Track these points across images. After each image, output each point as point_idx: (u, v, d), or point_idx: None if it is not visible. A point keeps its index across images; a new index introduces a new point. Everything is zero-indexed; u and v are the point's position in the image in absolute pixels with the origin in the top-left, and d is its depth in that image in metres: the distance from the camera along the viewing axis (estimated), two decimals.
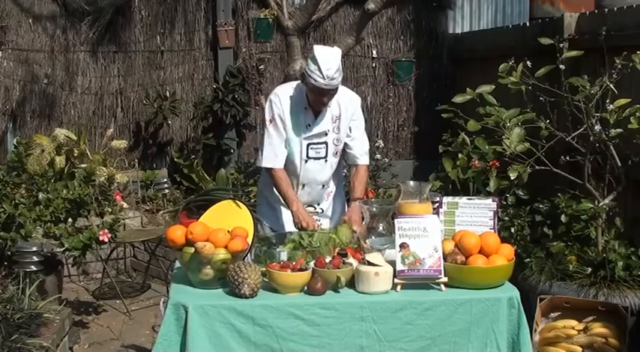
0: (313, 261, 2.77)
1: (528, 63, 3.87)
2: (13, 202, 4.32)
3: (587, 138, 3.91)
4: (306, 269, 2.72)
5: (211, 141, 6.61)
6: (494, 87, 4.00)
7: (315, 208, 3.52)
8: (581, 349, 3.48)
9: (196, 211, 3.36)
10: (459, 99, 4.08)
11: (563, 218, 4.29)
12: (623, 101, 3.75)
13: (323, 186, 3.51)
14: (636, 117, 3.69)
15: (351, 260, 2.79)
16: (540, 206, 4.57)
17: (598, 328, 3.50)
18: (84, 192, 4.41)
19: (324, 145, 3.43)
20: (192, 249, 2.71)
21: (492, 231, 2.93)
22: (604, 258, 3.90)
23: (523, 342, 2.72)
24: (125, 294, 5.19)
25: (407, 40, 7.10)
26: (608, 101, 3.77)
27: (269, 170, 3.46)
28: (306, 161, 3.44)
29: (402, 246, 2.76)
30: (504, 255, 2.81)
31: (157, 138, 6.83)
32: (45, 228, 4.30)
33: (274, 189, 3.50)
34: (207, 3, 6.77)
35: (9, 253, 4.22)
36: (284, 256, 2.85)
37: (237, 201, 3.12)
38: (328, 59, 3.17)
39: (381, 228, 2.90)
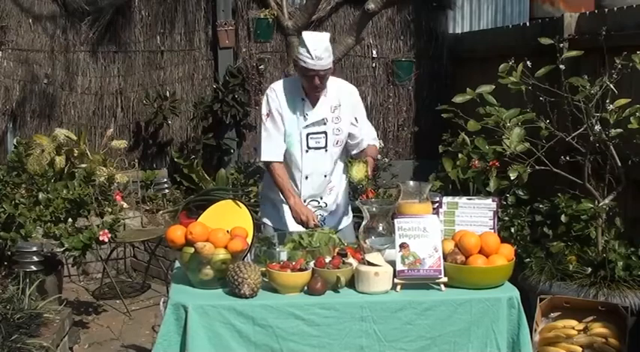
0: (313, 261, 2.77)
1: (528, 63, 3.87)
2: (13, 202, 4.32)
3: (587, 138, 3.91)
4: (306, 269, 2.72)
5: (211, 141, 6.61)
6: (494, 87, 4.00)
7: (319, 202, 3.51)
8: (581, 349, 3.48)
9: (196, 211, 3.37)
10: (459, 99, 4.08)
11: (563, 218, 4.29)
12: (623, 101, 3.75)
13: (325, 176, 3.49)
14: (636, 117, 3.69)
15: (350, 260, 2.79)
16: (540, 206, 4.57)
17: (598, 328, 3.50)
18: (84, 192, 4.41)
19: (323, 135, 3.43)
20: (192, 249, 2.71)
21: (492, 231, 2.93)
22: (604, 258, 3.90)
23: (523, 342, 2.72)
24: (125, 294, 5.19)
25: (407, 40, 7.10)
26: (608, 101, 3.77)
27: (268, 165, 3.47)
28: (307, 151, 3.43)
29: (402, 246, 2.75)
30: (504, 255, 2.80)
31: (157, 138, 6.84)
32: (45, 228, 4.30)
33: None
34: (207, 3, 6.77)
35: (9, 253, 4.22)
36: (284, 256, 2.85)
37: (237, 201, 3.12)
38: (315, 40, 3.26)
39: (380, 228, 2.89)
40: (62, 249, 4.24)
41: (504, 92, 3.99)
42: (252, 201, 5.52)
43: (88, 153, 5.68)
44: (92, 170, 4.84)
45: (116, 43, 6.66)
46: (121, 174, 5.65)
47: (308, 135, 3.41)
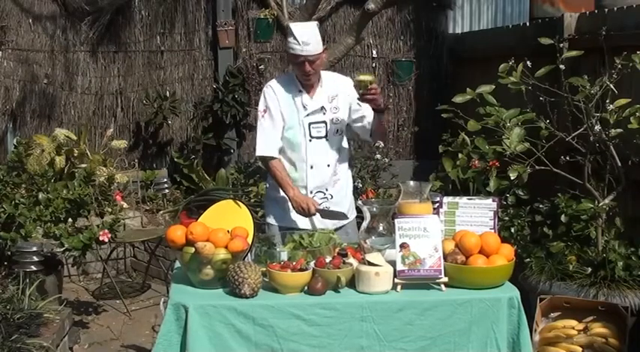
0: (313, 261, 2.77)
1: (528, 63, 3.87)
2: (13, 202, 4.32)
3: (587, 138, 3.91)
4: (306, 269, 2.72)
5: (211, 141, 6.61)
6: (494, 87, 4.01)
7: (325, 194, 3.52)
8: (581, 349, 3.48)
9: (196, 211, 3.37)
10: (458, 99, 4.08)
11: (563, 218, 4.29)
12: (623, 101, 3.75)
13: (328, 165, 3.51)
14: (636, 117, 3.70)
15: (351, 260, 2.79)
16: (540, 206, 4.57)
17: (598, 328, 3.50)
18: (84, 192, 4.41)
19: (323, 124, 3.48)
20: (193, 249, 2.71)
21: (492, 231, 2.93)
22: (604, 258, 3.90)
23: (523, 342, 2.72)
24: (125, 294, 5.19)
25: (407, 40, 7.11)
26: (608, 101, 3.77)
27: (265, 161, 3.50)
28: (311, 140, 3.48)
29: (403, 245, 2.75)
30: (504, 255, 2.81)
31: (157, 138, 6.84)
32: (45, 228, 4.30)
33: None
34: (207, 3, 6.77)
35: (9, 253, 4.22)
36: (284, 256, 2.85)
37: (237, 201, 3.12)
38: (301, 27, 3.39)
39: (381, 228, 2.90)
40: (62, 249, 4.24)
41: (504, 92, 3.99)
42: (252, 201, 5.52)
43: (88, 153, 5.68)
44: (92, 170, 4.84)
45: (116, 43, 6.66)
46: (121, 174, 5.65)
47: (310, 124, 3.47)
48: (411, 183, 3.09)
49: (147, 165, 6.73)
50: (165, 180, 5.84)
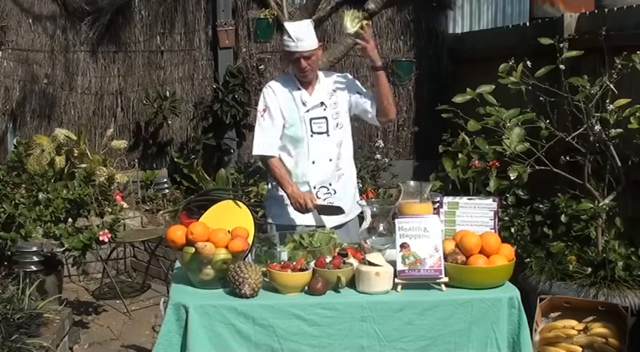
0: (314, 261, 2.77)
1: (528, 63, 3.88)
2: (13, 202, 4.32)
3: (587, 138, 3.91)
4: (306, 269, 2.72)
5: (211, 141, 6.61)
6: (494, 87, 4.01)
7: (328, 189, 3.53)
8: (581, 349, 3.48)
9: (196, 211, 3.37)
10: (458, 99, 4.08)
11: (563, 218, 4.29)
12: (623, 101, 3.75)
13: (330, 160, 3.52)
14: (636, 117, 3.70)
15: (351, 260, 2.79)
16: (540, 206, 4.57)
17: (598, 328, 3.51)
18: (84, 192, 4.41)
19: (324, 120, 3.52)
20: (193, 249, 2.71)
21: (493, 231, 2.93)
22: (604, 258, 3.90)
23: (523, 342, 2.72)
24: (125, 294, 5.19)
25: (407, 40, 7.11)
26: (608, 101, 3.77)
27: (264, 160, 3.53)
28: (312, 136, 3.50)
29: (403, 245, 2.76)
30: (505, 255, 2.81)
31: (157, 138, 6.84)
32: (45, 228, 4.30)
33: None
34: (207, 3, 6.77)
35: (9, 253, 4.22)
36: (284, 256, 2.85)
37: (237, 201, 3.12)
38: (295, 25, 3.48)
39: (381, 228, 2.90)
40: (62, 249, 4.24)
41: (504, 92, 3.99)
42: (252, 201, 5.52)
43: (88, 153, 5.68)
44: (92, 170, 4.84)
45: (116, 43, 6.66)
46: (121, 174, 5.65)
47: (311, 120, 3.50)
48: (411, 183, 3.09)
49: (147, 165, 6.73)
50: (165, 180, 5.84)
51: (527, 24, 6.21)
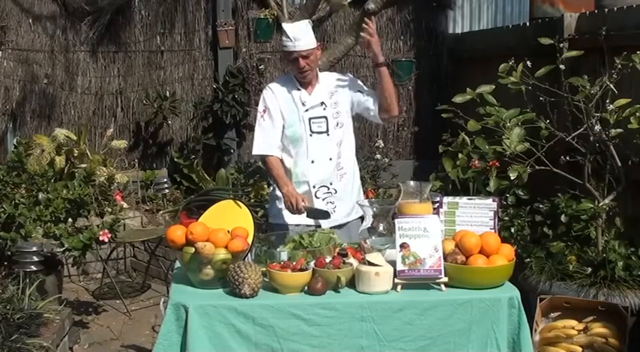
0: (313, 261, 2.77)
1: (528, 63, 3.88)
2: (13, 202, 4.32)
3: (587, 138, 3.91)
4: (306, 269, 2.72)
5: (211, 141, 6.61)
6: (494, 87, 4.01)
7: (329, 188, 3.52)
8: (581, 349, 3.48)
9: (196, 211, 3.37)
10: (458, 99, 4.08)
11: (563, 218, 4.29)
12: (623, 101, 3.75)
13: (330, 159, 3.52)
14: (636, 117, 3.70)
15: (351, 260, 2.79)
16: (540, 206, 4.57)
17: (598, 328, 3.51)
18: (84, 192, 4.41)
19: (324, 119, 3.52)
20: (193, 249, 2.71)
21: (493, 231, 2.93)
22: (604, 258, 3.90)
23: (523, 342, 2.72)
24: (125, 294, 5.20)
25: (407, 40, 7.11)
26: (608, 101, 3.77)
27: (263, 159, 3.55)
28: (311, 135, 3.51)
29: (403, 246, 2.75)
30: (505, 255, 2.80)
31: (157, 138, 6.84)
32: (45, 228, 4.30)
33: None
34: (207, 3, 6.77)
35: (9, 253, 4.22)
36: (284, 256, 2.85)
37: (238, 201, 3.12)
38: (292, 25, 3.50)
39: (381, 228, 2.90)
40: (62, 249, 4.24)
41: (504, 92, 3.99)
42: (252, 201, 5.52)
43: (88, 153, 5.68)
44: (92, 170, 4.84)
45: (116, 43, 6.66)
46: (121, 174, 5.65)
47: (310, 119, 3.51)
48: (411, 183, 3.09)
49: (147, 165, 6.73)
50: (165, 180, 5.84)
51: (527, 24, 6.21)
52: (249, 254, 2.85)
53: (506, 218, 4.61)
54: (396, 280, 2.74)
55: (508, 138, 3.92)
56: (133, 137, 6.79)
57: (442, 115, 4.61)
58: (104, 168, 5.39)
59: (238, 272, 2.64)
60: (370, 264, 2.72)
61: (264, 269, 2.73)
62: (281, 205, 3.51)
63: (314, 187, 3.51)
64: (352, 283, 2.75)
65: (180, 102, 6.73)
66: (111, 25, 6.59)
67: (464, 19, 7.42)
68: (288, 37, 3.41)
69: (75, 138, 5.73)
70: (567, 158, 4.01)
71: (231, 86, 6.54)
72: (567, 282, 3.92)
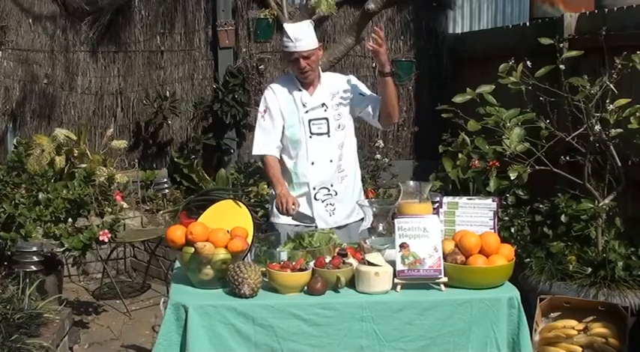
0: (313, 261, 2.77)
1: (528, 63, 3.87)
2: (13, 202, 4.32)
3: (587, 138, 3.91)
4: (306, 269, 2.72)
5: (211, 141, 6.61)
6: (494, 87, 4.01)
7: (329, 190, 3.52)
8: (581, 349, 3.48)
9: (196, 211, 3.37)
10: (458, 99, 4.08)
11: (563, 218, 4.29)
12: (623, 101, 3.75)
13: (331, 161, 3.52)
14: (636, 117, 3.70)
15: (351, 260, 2.79)
16: (540, 206, 4.57)
17: (598, 328, 3.50)
18: (84, 192, 4.41)
19: (325, 121, 3.52)
20: (192, 249, 2.71)
21: (492, 231, 2.93)
22: (604, 258, 3.90)
23: (523, 342, 2.72)
24: (125, 294, 5.20)
25: (407, 40, 7.11)
26: (608, 101, 3.77)
27: (262, 159, 3.55)
28: (311, 137, 3.50)
29: (402, 246, 2.75)
30: (504, 255, 2.80)
31: (157, 138, 6.84)
32: (45, 228, 4.30)
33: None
34: (207, 3, 6.77)
35: (9, 253, 4.22)
36: (284, 256, 2.85)
37: (237, 201, 3.12)
38: (293, 26, 3.49)
39: (381, 228, 2.90)
40: (62, 249, 4.24)
41: (504, 92, 3.99)
42: (252, 201, 5.52)
43: (88, 153, 5.68)
44: (92, 170, 4.84)
45: (116, 43, 6.66)
46: (121, 174, 5.65)
47: (310, 121, 3.50)
48: (411, 183, 3.09)
49: (147, 165, 6.73)
50: (165, 180, 5.84)
51: (527, 24, 6.21)
52: (248, 254, 2.85)
53: (506, 218, 4.61)
54: (396, 280, 2.74)
55: (508, 138, 3.92)
56: (133, 137, 6.79)
57: (442, 115, 4.61)
58: (104, 168, 5.39)
59: (238, 272, 2.64)
60: (370, 263, 2.72)
61: (264, 269, 2.74)
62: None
63: (314, 188, 3.51)
64: (352, 283, 2.75)
65: (180, 102, 6.73)
66: (111, 25, 6.59)
67: (464, 19, 7.42)
68: (289, 38, 3.40)
69: (75, 138, 5.73)
70: (567, 158, 4.01)
71: (231, 86, 6.54)
72: (567, 282, 3.91)
